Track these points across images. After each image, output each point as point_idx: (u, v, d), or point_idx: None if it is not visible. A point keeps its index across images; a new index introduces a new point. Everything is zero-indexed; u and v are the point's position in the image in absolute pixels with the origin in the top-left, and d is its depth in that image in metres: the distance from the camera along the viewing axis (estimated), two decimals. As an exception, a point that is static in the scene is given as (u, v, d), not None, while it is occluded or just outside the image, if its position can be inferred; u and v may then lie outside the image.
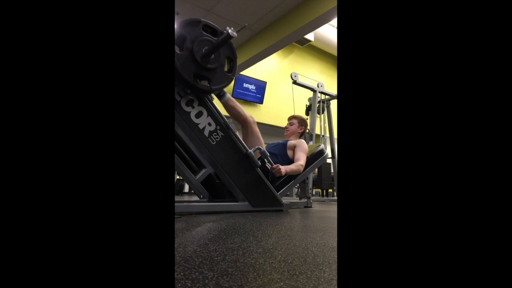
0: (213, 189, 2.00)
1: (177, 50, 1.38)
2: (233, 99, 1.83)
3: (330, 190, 5.06)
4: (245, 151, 1.64)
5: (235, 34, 1.33)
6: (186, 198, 3.80)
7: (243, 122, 1.85)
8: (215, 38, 1.47)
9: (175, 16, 4.01)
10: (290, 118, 2.33)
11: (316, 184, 4.58)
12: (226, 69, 1.57)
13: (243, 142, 1.67)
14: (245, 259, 0.54)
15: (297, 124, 2.27)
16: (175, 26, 1.36)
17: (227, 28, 1.37)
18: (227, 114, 1.88)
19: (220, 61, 1.50)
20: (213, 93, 1.56)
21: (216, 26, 1.51)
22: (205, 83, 1.50)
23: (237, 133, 1.67)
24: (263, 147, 1.86)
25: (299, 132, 2.25)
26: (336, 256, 0.58)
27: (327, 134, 4.31)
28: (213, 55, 1.46)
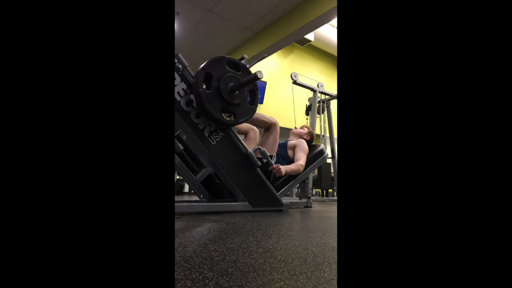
0: (213, 189, 2.00)
1: (204, 87, 1.47)
2: (256, 112, 1.87)
3: (330, 190, 5.06)
4: (245, 151, 1.64)
5: (262, 76, 1.44)
6: (186, 198, 3.79)
7: (269, 127, 1.96)
8: (239, 73, 1.57)
9: (175, 16, 4.00)
10: (304, 126, 2.42)
11: (316, 184, 4.58)
12: (248, 100, 1.65)
13: (243, 142, 1.67)
14: (245, 259, 0.54)
15: (306, 132, 2.33)
16: (204, 64, 1.46)
17: (250, 66, 1.50)
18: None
19: (243, 95, 1.60)
20: (238, 125, 1.67)
21: (238, 60, 1.61)
22: (230, 115, 1.60)
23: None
24: (275, 151, 1.93)
25: (303, 138, 2.27)
26: (336, 256, 0.58)
27: (327, 134, 4.31)
28: (237, 91, 1.55)
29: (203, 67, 1.47)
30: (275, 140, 1.97)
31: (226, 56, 1.57)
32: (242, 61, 1.62)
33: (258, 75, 1.43)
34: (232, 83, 1.53)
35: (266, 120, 1.98)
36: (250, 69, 1.66)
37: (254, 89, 1.66)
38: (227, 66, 1.55)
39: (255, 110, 1.68)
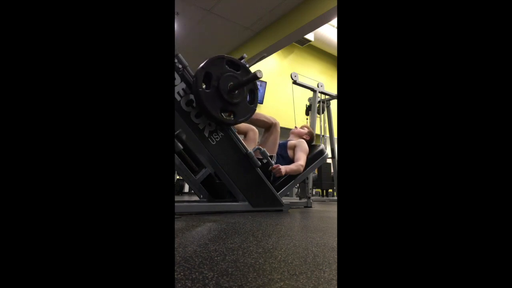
0: (213, 189, 2.00)
1: (204, 87, 1.47)
2: (256, 112, 1.87)
3: (330, 190, 5.06)
4: (245, 151, 1.64)
5: (261, 75, 1.44)
6: (186, 198, 3.79)
7: (269, 127, 1.95)
8: (238, 72, 1.57)
9: (175, 16, 4.00)
10: (304, 126, 2.42)
11: (316, 184, 4.58)
12: (248, 100, 1.65)
13: (243, 142, 1.67)
14: (245, 259, 0.54)
15: (306, 132, 2.33)
16: (203, 63, 1.46)
17: (249, 66, 1.50)
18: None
19: (243, 94, 1.59)
20: (237, 124, 1.67)
21: (238, 60, 1.61)
22: (230, 114, 1.60)
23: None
24: (275, 151, 1.93)
25: (303, 138, 2.27)
26: (336, 256, 0.58)
27: (327, 134, 4.31)
28: (237, 91, 1.55)
29: (202, 66, 1.47)
30: (275, 140, 1.96)
31: (226, 55, 1.57)
32: (242, 61, 1.62)
33: (258, 75, 1.44)
34: (231, 83, 1.53)
35: (266, 120, 1.98)
36: (250, 68, 1.66)
37: (254, 88, 1.67)
38: (226, 66, 1.55)
39: (255, 110, 1.68)
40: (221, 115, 1.54)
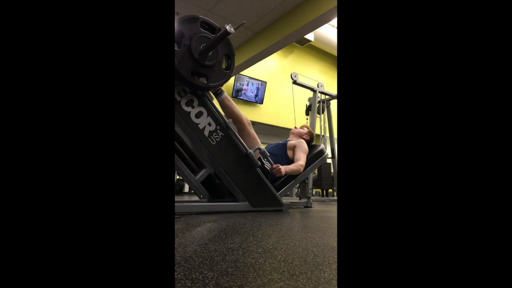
0: (213, 189, 2.00)
1: (175, 46, 1.37)
2: (229, 98, 1.83)
3: (330, 190, 5.06)
4: (245, 151, 1.64)
5: (232, 30, 1.33)
6: (186, 198, 3.80)
7: (238, 123, 1.85)
8: (213, 35, 1.47)
9: (175, 16, 4.00)
10: (304, 126, 2.40)
11: (316, 184, 4.58)
12: (224, 66, 1.57)
13: (243, 142, 1.67)
14: (245, 259, 0.54)
15: (306, 132, 2.32)
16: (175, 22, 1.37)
17: (225, 25, 1.37)
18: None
19: (218, 58, 1.50)
20: (210, 90, 1.57)
21: (214, 23, 1.51)
22: (203, 80, 1.50)
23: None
24: (260, 145, 1.87)
25: (303, 138, 2.27)
26: (336, 256, 0.58)
27: (327, 134, 4.31)
28: (211, 52, 1.46)
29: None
30: (254, 138, 1.85)
31: (201, 16, 1.47)
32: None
33: (228, 29, 1.31)
34: (205, 44, 1.42)
35: (238, 113, 1.83)
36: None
37: (230, 53, 1.56)
38: (201, 28, 1.45)
39: (230, 76, 1.59)
40: (193, 77, 1.43)
